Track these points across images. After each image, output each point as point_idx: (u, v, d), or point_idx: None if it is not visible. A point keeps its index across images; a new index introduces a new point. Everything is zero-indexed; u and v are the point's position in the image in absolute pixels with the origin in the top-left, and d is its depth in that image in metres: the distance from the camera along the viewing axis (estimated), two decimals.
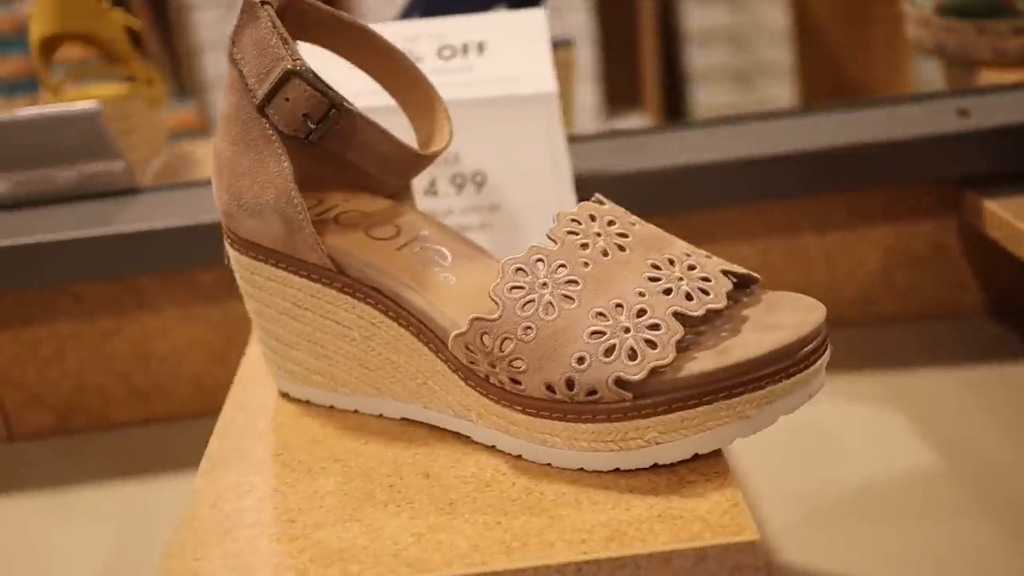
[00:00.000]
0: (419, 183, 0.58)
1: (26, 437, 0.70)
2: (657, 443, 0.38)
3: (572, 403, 0.38)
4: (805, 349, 0.38)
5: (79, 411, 0.70)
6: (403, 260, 0.43)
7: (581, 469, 0.39)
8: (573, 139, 0.71)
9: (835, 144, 0.63)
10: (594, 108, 2.23)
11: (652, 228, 0.43)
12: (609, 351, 0.38)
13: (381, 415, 0.45)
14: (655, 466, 0.39)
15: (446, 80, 0.60)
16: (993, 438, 0.57)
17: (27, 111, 0.71)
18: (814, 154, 0.63)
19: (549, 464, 0.40)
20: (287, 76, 0.41)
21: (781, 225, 0.68)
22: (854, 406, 0.61)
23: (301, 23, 0.45)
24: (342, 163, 0.46)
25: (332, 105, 0.41)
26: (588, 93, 2.21)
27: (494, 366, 0.39)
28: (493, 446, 0.42)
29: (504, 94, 0.59)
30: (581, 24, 2.16)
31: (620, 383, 0.37)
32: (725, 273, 0.41)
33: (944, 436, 0.58)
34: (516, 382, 0.39)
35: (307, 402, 0.47)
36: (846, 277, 0.69)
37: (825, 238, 0.68)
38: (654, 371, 0.37)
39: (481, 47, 0.61)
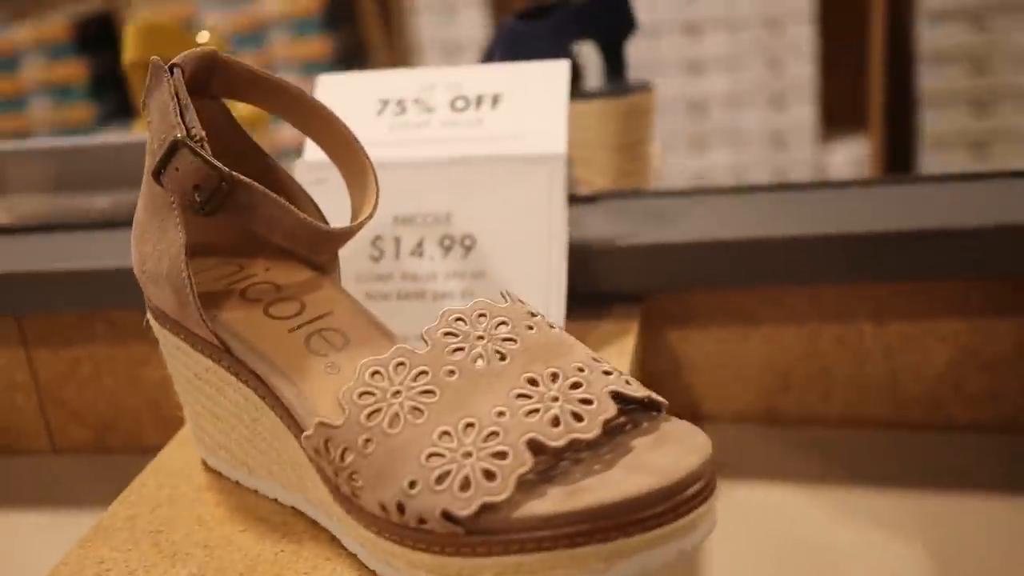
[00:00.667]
0: (407, 243, 0.55)
1: (69, 451, 0.72)
2: None
3: (407, 528, 0.35)
4: (672, 500, 0.33)
5: (114, 430, 0.71)
6: (290, 344, 0.41)
7: None
8: (613, 195, 0.66)
9: (901, 228, 0.55)
10: (810, 131, 2.10)
11: (552, 334, 0.38)
12: (442, 478, 0.34)
13: (276, 500, 0.43)
14: None
15: (453, 134, 0.57)
16: None
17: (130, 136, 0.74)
18: (876, 237, 0.56)
19: None
20: (175, 145, 0.39)
21: (832, 308, 0.60)
22: (878, 531, 0.54)
23: (226, 82, 0.43)
24: (257, 234, 0.44)
25: (222, 178, 0.39)
26: (804, 114, 2.09)
27: (337, 475, 0.36)
28: (355, 555, 0.39)
29: (507, 153, 0.55)
30: (802, 38, 2.05)
31: (447, 516, 0.33)
32: (616, 396, 0.36)
33: None
34: (356, 496, 0.36)
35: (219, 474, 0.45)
36: (909, 375, 0.61)
37: (885, 328, 0.60)
38: (486, 507, 0.33)
39: (496, 100, 0.57)
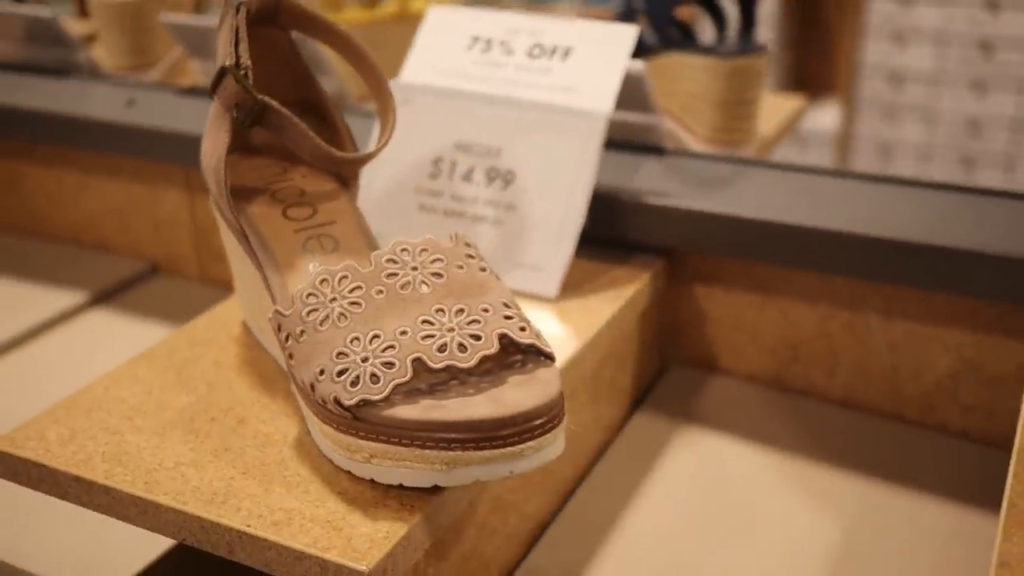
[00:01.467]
0: (461, 168, 0.63)
1: (213, 283, 0.87)
2: (372, 463, 0.43)
3: (317, 404, 0.44)
4: (506, 430, 0.41)
5: None
6: (291, 242, 0.51)
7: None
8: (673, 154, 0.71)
9: (912, 239, 0.58)
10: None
11: (477, 276, 0.46)
12: (341, 373, 0.43)
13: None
14: (374, 482, 0.44)
15: (523, 78, 0.64)
16: None
17: None
18: (889, 244, 0.58)
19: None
20: (223, 71, 0.49)
21: (845, 297, 0.64)
22: (813, 507, 0.59)
23: (290, 19, 0.53)
24: None
25: (255, 101, 0.49)
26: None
27: (283, 352, 0.46)
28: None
29: (558, 103, 0.62)
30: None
31: (336, 401, 0.43)
32: (503, 338, 0.43)
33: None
34: (292, 372, 0.46)
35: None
36: (909, 373, 0.64)
37: (892, 324, 0.63)
38: (366, 402, 0.42)
39: (567, 52, 0.64)
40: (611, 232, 0.65)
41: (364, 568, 0.40)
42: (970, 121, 2.11)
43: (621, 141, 0.72)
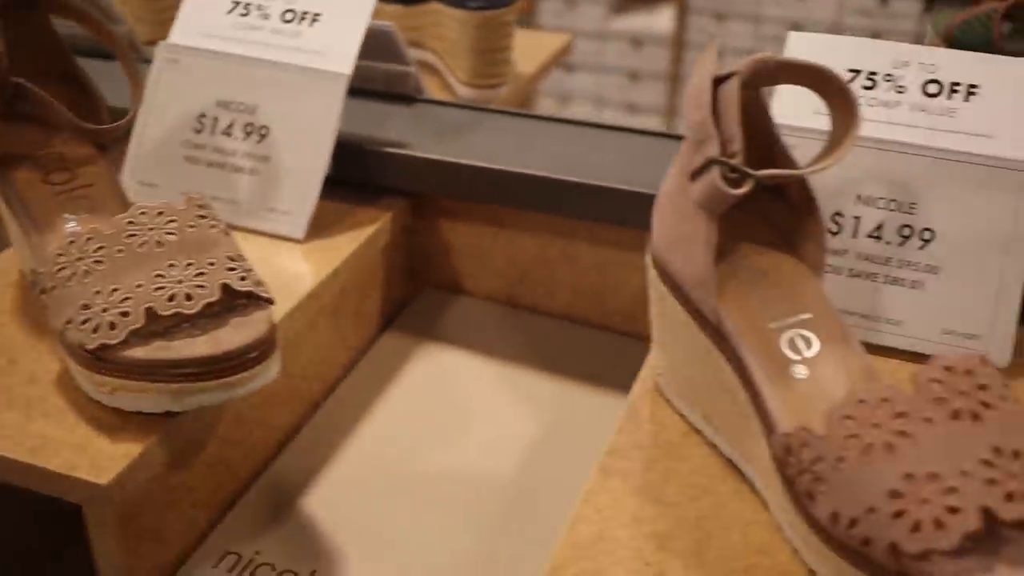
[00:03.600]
0: (222, 123, 0.71)
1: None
2: (115, 395, 0.52)
3: (68, 347, 0.53)
4: (221, 364, 0.50)
5: None
6: (49, 204, 0.59)
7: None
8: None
9: (607, 184, 0.69)
10: None
11: (209, 234, 0.55)
12: (85, 321, 0.52)
13: None
14: (120, 410, 0.53)
15: (277, 41, 0.72)
16: None
17: None
18: (589, 188, 0.69)
19: None
20: None
21: (559, 229, 0.75)
22: (520, 403, 0.70)
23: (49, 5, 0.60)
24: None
25: (9, 84, 0.56)
26: None
27: (40, 303, 0.55)
28: None
29: (306, 65, 0.70)
30: None
31: (80, 344, 0.51)
32: (227, 288, 0.53)
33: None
34: (48, 319, 0.55)
35: None
36: (612, 290, 0.76)
37: (597, 250, 0.75)
38: (105, 346, 0.51)
39: (315, 18, 0.72)
40: (363, 177, 0.74)
41: (103, 482, 0.50)
42: (793, 24, 2.25)
43: (377, 91, 0.80)
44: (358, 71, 0.71)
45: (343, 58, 0.70)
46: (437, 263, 0.80)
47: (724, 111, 0.47)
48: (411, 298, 0.81)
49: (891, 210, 0.59)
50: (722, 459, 0.51)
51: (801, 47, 0.62)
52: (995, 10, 0.86)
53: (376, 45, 0.78)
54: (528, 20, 2.41)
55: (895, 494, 0.40)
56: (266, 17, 0.73)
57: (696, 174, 0.47)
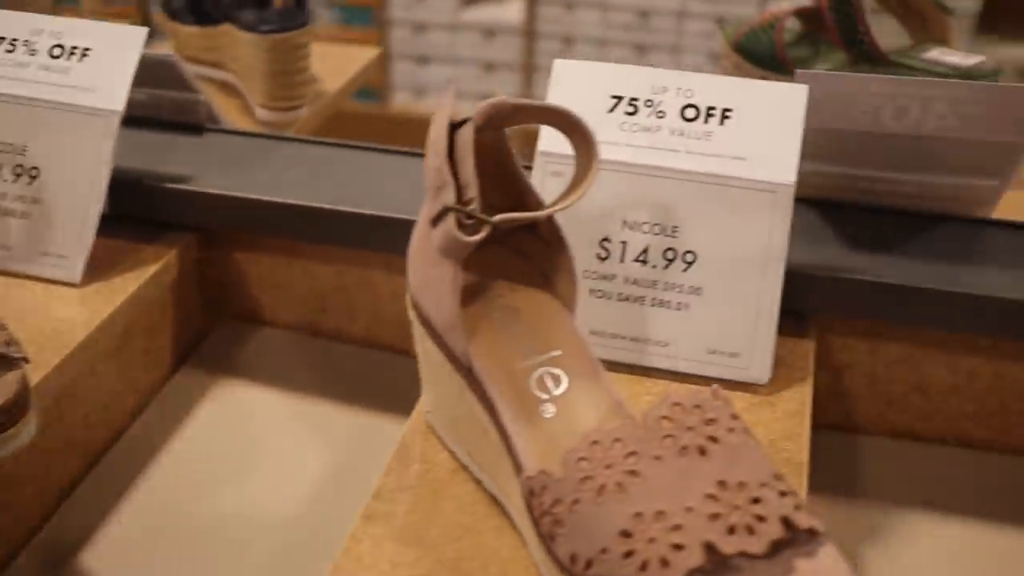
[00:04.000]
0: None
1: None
2: None
3: None
4: None
5: None
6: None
7: None
8: None
9: (391, 215, 0.69)
10: None
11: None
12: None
13: None
14: None
15: (46, 78, 0.69)
16: None
17: None
18: (377, 220, 0.69)
19: None
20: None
21: (355, 258, 0.75)
22: (322, 438, 0.70)
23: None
24: None
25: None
26: None
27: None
28: None
29: (76, 102, 0.68)
30: None
31: None
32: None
33: None
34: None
35: None
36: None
37: (392, 278, 0.75)
38: None
39: (85, 53, 0.70)
40: (147, 213, 0.72)
41: None
42: (640, 11, 2.29)
43: (163, 120, 0.79)
44: (145, 101, 0.69)
45: (113, 95, 0.68)
46: (235, 294, 0.79)
47: (460, 157, 0.47)
48: (209, 331, 0.79)
49: (655, 234, 0.60)
50: (488, 496, 0.52)
51: (567, 74, 0.63)
52: (778, 19, 0.89)
53: (161, 75, 0.76)
54: (379, 15, 2.39)
55: (625, 534, 0.41)
56: (33, 53, 0.70)
57: (435, 221, 0.48)
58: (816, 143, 0.68)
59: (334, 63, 1.02)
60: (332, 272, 0.76)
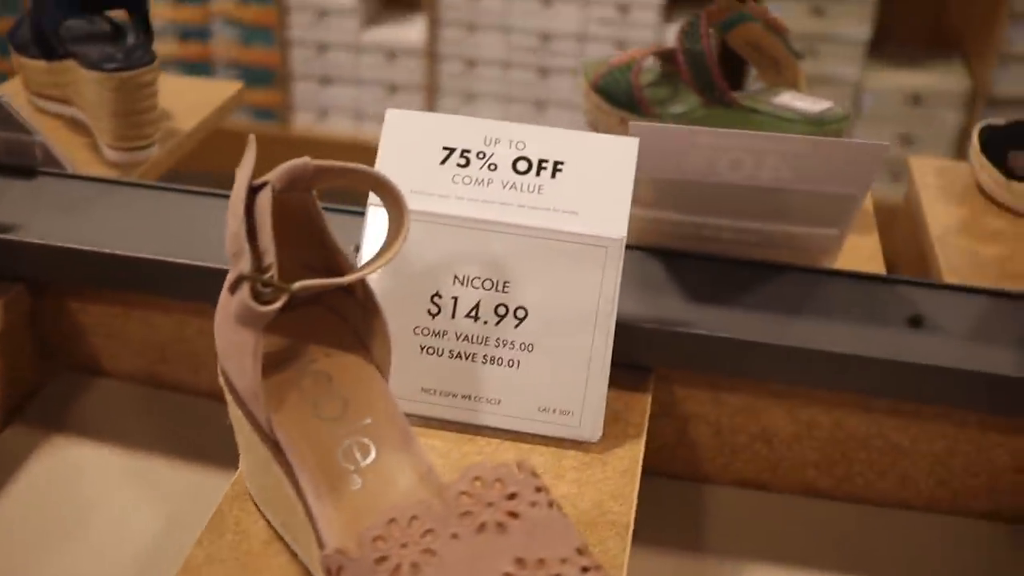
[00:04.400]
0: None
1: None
2: None
3: None
4: None
5: None
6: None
7: None
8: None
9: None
10: None
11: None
12: None
13: None
14: None
15: None
16: None
17: None
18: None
19: None
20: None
21: (192, 309, 0.72)
22: (151, 497, 0.67)
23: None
24: None
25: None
26: None
27: None
28: None
29: None
30: None
31: None
32: None
33: None
34: None
35: None
36: None
37: None
38: None
39: None
40: None
41: None
42: (541, 33, 2.29)
43: None
44: None
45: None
46: (71, 345, 0.76)
47: (259, 223, 0.46)
48: (44, 385, 0.76)
49: (487, 289, 0.59)
50: (302, 568, 0.50)
51: (398, 124, 0.62)
52: (635, 60, 0.89)
53: None
54: (279, 35, 2.36)
55: None
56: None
57: (233, 288, 0.46)
58: (658, 192, 0.68)
59: (194, 98, 0.99)
60: (172, 322, 0.73)
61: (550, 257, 0.59)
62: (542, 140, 0.61)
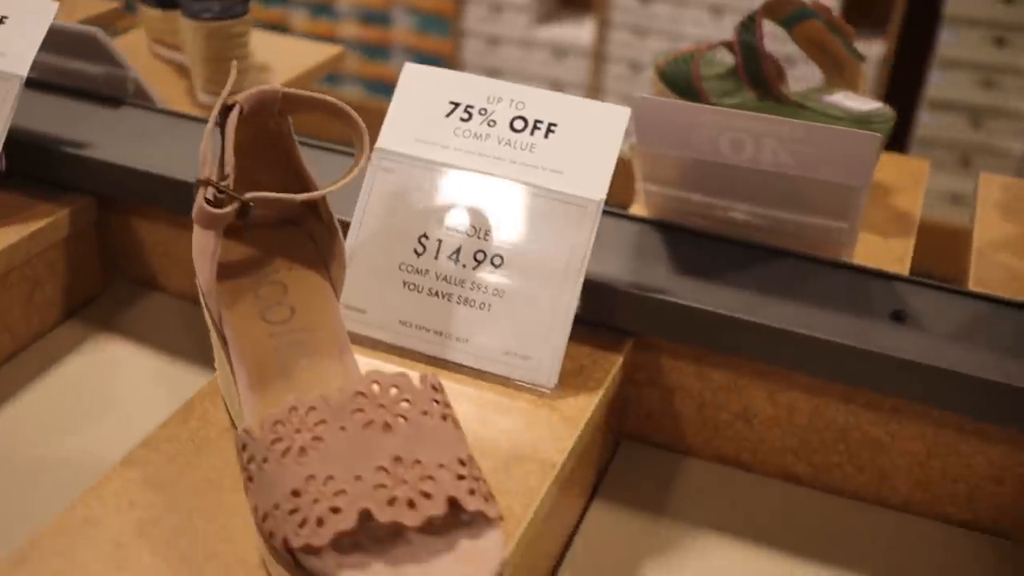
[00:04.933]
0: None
1: None
2: None
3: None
4: None
5: None
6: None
7: None
8: None
9: None
10: None
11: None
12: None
13: None
14: None
15: None
16: None
17: None
18: None
19: None
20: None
21: None
22: None
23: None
24: None
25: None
26: None
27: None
28: None
29: None
30: None
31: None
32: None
33: None
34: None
35: None
36: None
37: None
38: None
39: (1, 21, 0.75)
40: (45, 174, 0.78)
41: None
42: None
43: (92, 92, 0.84)
44: (74, 72, 0.74)
45: (20, 60, 0.73)
46: (131, 259, 0.84)
47: (226, 137, 0.51)
48: (103, 291, 0.84)
49: (469, 235, 0.63)
50: None
51: (414, 78, 0.66)
52: (700, 51, 0.90)
53: (87, 48, 0.82)
54: (454, 26, 2.46)
55: (295, 493, 0.45)
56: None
57: (194, 192, 0.51)
58: (673, 170, 0.71)
59: (293, 57, 1.07)
60: None
61: (531, 211, 0.62)
62: (540, 102, 0.64)
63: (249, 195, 0.50)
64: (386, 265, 0.64)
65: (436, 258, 0.63)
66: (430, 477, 0.45)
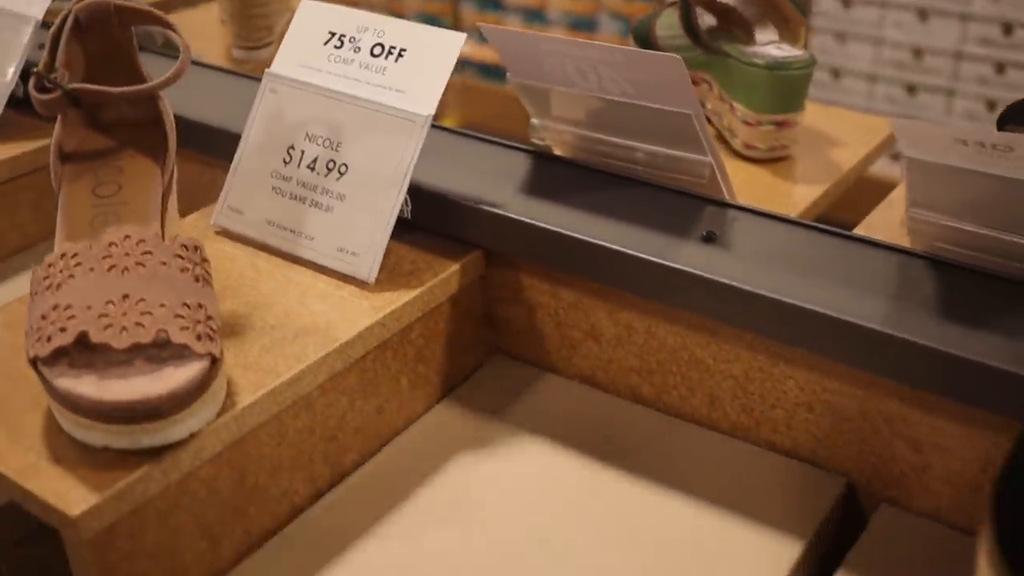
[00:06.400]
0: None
1: None
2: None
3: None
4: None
5: None
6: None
7: None
8: None
9: None
10: None
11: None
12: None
13: None
14: None
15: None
16: None
17: None
18: None
19: None
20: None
21: None
22: None
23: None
24: None
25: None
26: None
27: None
28: None
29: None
30: None
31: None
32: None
33: None
34: None
35: None
36: None
37: None
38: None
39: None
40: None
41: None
42: (913, 48, 2.25)
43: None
44: None
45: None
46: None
47: (61, 40, 0.62)
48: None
49: (325, 147, 0.72)
50: None
51: (306, 13, 0.76)
52: (660, 9, 0.94)
53: None
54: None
55: (43, 317, 0.55)
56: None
57: (25, 80, 0.63)
58: (548, 102, 0.76)
59: None
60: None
61: (372, 125, 0.70)
62: (396, 30, 0.72)
63: (72, 85, 0.61)
64: (261, 173, 0.73)
65: (299, 167, 0.72)
66: (148, 312, 0.54)
